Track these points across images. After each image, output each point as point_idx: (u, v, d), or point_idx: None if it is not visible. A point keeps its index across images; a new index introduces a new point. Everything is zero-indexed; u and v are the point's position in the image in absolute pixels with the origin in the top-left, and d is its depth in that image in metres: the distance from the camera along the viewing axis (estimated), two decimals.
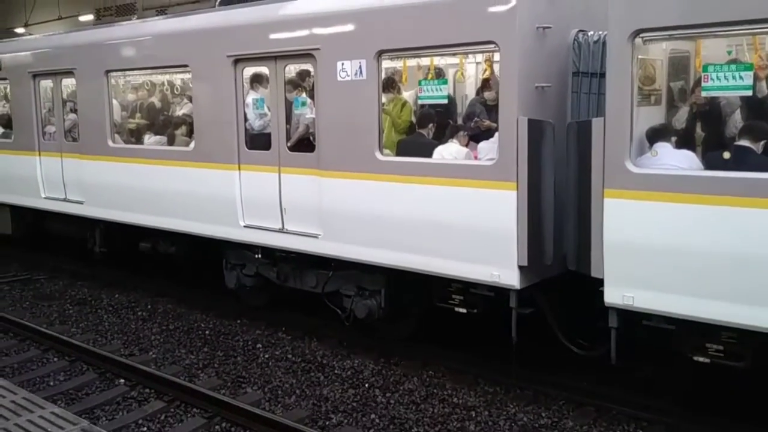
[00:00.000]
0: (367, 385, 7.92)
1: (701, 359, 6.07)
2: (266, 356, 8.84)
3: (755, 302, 5.44)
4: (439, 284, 7.57)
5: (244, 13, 9.00)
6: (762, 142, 5.83)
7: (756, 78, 5.83)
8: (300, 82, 9.02)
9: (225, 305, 10.47)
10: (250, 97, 9.07)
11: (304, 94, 8.82)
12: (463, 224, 6.98)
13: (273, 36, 8.48)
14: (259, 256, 9.23)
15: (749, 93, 5.76)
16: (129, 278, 12.13)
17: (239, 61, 8.85)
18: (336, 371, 8.32)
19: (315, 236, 8.29)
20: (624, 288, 6.06)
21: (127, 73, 11.09)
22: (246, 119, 9.02)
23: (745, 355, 5.89)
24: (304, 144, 8.62)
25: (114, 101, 11.04)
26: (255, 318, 10.05)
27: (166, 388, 7.80)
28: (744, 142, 5.86)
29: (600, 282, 6.26)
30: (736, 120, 6.43)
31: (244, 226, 9.03)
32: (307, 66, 8.66)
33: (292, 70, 8.96)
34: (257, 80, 9.12)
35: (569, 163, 6.57)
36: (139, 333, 9.81)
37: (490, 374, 7.89)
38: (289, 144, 8.65)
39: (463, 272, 7.12)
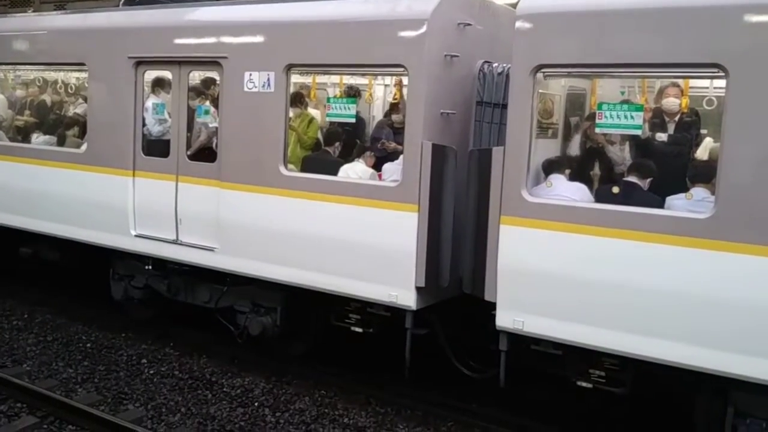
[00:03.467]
0: (256, 404, 7.74)
1: (584, 384, 6.32)
2: (151, 372, 8.48)
3: (634, 330, 5.72)
4: (337, 303, 7.53)
5: (150, 15, 8.73)
6: (648, 179, 6.18)
7: (644, 119, 6.18)
8: (204, 90, 8.81)
9: (109, 317, 9.98)
10: (150, 102, 8.78)
11: (207, 102, 8.63)
12: (364, 244, 6.99)
13: (179, 41, 8.26)
14: (150, 267, 8.87)
15: (639, 132, 6.12)
16: (4, 285, 11.35)
17: (141, 63, 8.55)
18: (225, 389, 8.09)
19: (211, 249, 8.06)
20: (515, 312, 6.23)
21: (18, 67, 10.48)
22: (144, 124, 8.71)
23: (625, 381, 6.17)
24: (205, 153, 8.41)
25: (1, 96, 10.39)
26: (141, 332, 9.63)
27: (39, 402, 7.34)
28: (632, 178, 6.20)
29: (493, 306, 6.41)
30: (625, 157, 6.79)
31: (135, 236, 8.67)
32: (213, 74, 8.48)
33: (196, 76, 8.73)
34: (159, 84, 8.84)
35: (469, 188, 6.73)
36: (13, 343, 9.18)
37: (382, 395, 7.90)
38: (189, 152, 8.41)
39: (362, 292, 7.11)
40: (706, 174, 5.84)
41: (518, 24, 6.13)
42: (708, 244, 5.38)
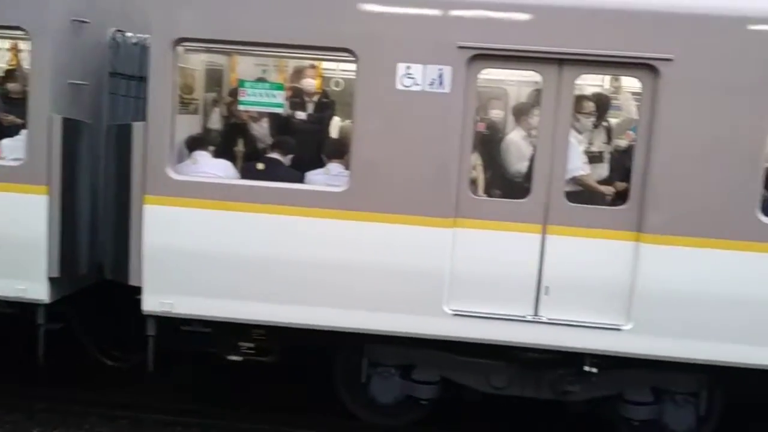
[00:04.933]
0: None
1: (235, 358, 6.42)
2: None
3: (278, 300, 5.95)
4: None
5: None
6: (289, 156, 6.48)
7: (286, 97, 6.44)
8: None
9: None
10: None
11: None
12: None
13: None
14: None
15: (281, 110, 6.35)
16: None
17: None
18: None
19: None
20: (163, 295, 6.03)
21: None
22: None
23: (273, 351, 6.43)
24: None
25: None
26: None
27: None
28: (275, 155, 6.43)
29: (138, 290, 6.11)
30: (267, 135, 7.01)
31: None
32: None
33: None
34: None
35: (107, 167, 6.27)
36: None
37: (8, 400, 6.99)
38: None
39: None
40: (340, 150, 6.32)
41: None
42: (345, 215, 5.85)
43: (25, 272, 6.09)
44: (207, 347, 6.40)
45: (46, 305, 6.24)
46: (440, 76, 5.66)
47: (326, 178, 6.21)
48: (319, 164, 6.40)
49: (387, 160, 5.76)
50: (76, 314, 6.67)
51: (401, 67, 5.67)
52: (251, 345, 6.36)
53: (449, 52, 5.62)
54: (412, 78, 5.68)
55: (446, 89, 5.65)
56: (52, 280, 6.15)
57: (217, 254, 5.96)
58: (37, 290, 6.14)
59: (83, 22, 6.27)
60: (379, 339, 6.13)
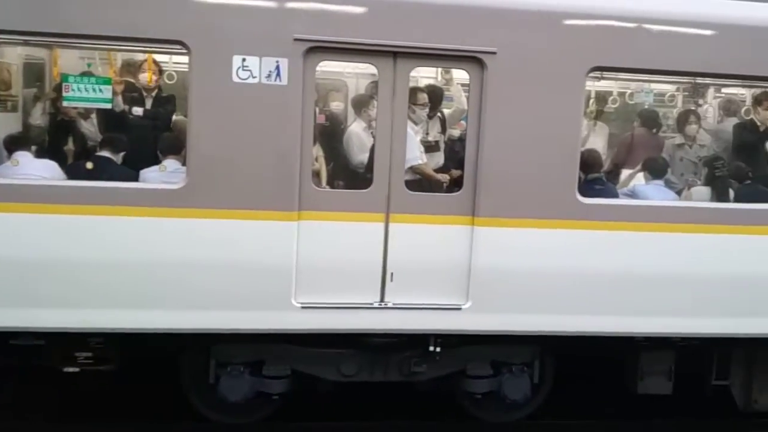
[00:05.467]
0: None
1: (72, 369, 6.06)
2: None
3: (119, 305, 5.68)
4: None
5: None
6: (122, 153, 6.18)
7: (114, 92, 6.12)
8: None
9: None
10: None
11: None
12: None
13: None
14: None
15: (109, 106, 6.02)
16: None
17: None
18: None
19: None
20: None
21: None
22: None
23: (112, 358, 6.14)
24: None
25: None
26: None
27: None
28: (105, 153, 6.11)
29: None
30: (96, 132, 6.64)
31: None
32: None
33: None
34: None
35: None
36: None
37: None
38: None
39: None
40: (177, 146, 6.12)
41: None
42: (183, 212, 5.66)
43: None
44: (41, 360, 5.99)
45: None
46: (277, 68, 5.63)
47: (162, 176, 5.99)
48: (156, 161, 6.16)
49: (226, 154, 5.65)
50: None
51: (237, 60, 5.58)
52: (89, 354, 6.02)
53: (285, 45, 5.61)
54: (248, 71, 5.61)
55: (284, 81, 5.63)
56: None
57: (45, 261, 5.56)
58: None
59: None
60: (226, 338, 6.02)
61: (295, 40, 5.62)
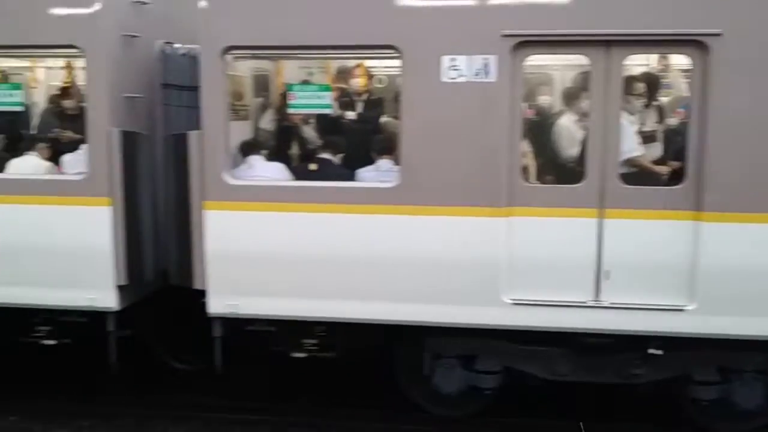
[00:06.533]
0: None
1: (300, 355, 6.54)
2: None
3: (338, 296, 6.06)
4: (20, 316, 6.66)
5: None
6: (340, 155, 6.57)
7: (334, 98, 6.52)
8: None
9: None
10: None
11: None
12: (48, 246, 6.29)
13: None
14: None
15: (330, 111, 6.43)
16: None
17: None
18: None
19: None
20: (227, 297, 6.19)
21: None
22: None
23: (335, 346, 6.53)
24: None
25: None
26: None
27: None
28: (326, 155, 6.52)
29: (203, 293, 6.28)
30: (316, 135, 7.11)
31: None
32: None
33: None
34: None
35: (167, 176, 6.45)
36: None
37: (85, 405, 7.27)
38: None
39: (52, 300, 6.42)
40: (389, 147, 6.38)
41: (202, 4, 5.99)
42: (396, 209, 5.90)
43: (94, 282, 6.30)
44: (272, 346, 6.54)
45: (115, 312, 6.46)
46: (485, 65, 5.67)
47: (377, 175, 6.28)
48: (370, 162, 6.47)
49: (436, 153, 5.80)
50: (145, 320, 6.86)
51: (446, 60, 5.70)
52: (314, 342, 6.48)
53: (493, 42, 5.63)
54: (457, 69, 5.71)
55: (492, 78, 5.66)
56: (120, 288, 6.36)
57: (277, 255, 6.09)
58: (106, 299, 6.35)
59: (133, 36, 6.45)
60: (440, 331, 6.18)
61: (504, 36, 5.62)
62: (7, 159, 6.73)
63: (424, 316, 6.03)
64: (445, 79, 5.72)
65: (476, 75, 5.69)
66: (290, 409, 7.21)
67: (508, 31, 5.62)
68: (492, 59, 5.65)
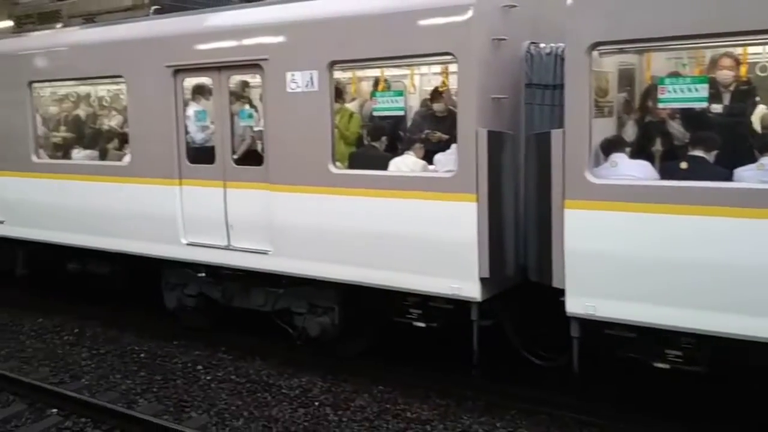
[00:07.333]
0: (317, 404, 7.69)
1: (661, 365, 6.18)
2: (208, 378, 8.46)
3: (710, 307, 5.61)
4: (396, 299, 7.44)
5: (185, 22, 8.67)
6: (714, 152, 6.03)
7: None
8: (242, 93, 8.76)
9: (160, 327, 9.98)
10: (191, 109, 8.74)
11: (247, 106, 8.58)
12: (421, 237, 6.90)
13: (217, 45, 8.19)
14: (203, 275, 8.85)
15: (705, 105, 5.96)
16: (52, 301, 11.41)
17: (179, 71, 8.50)
18: (284, 390, 8.05)
19: (264, 253, 8.02)
20: (585, 297, 6.12)
21: (53, 84, 10.50)
22: (187, 132, 8.67)
23: (702, 360, 6.04)
24: (251, 157, 8.36)
25: (37, 114, 10.41)
26: (193, 339, 9.61)
27: (103, 416, 7.34)
28: (698, 152, 6.04)
29: (561, 292, 6.29)
30: (682, 131, 6.63)
31: (186, 244, 8.66)
32: (250, 77, 8.42)
33: (236, 81, 8.68)
34: (199, 92, 8.81)
35: (528, 174, 6.61)
36: (67, 359, 9.21)
37: (441, 387, 7.81)
38: (234, 157, 8.37)
39: (422, 286, 7.03)
40: None
41: (569, 2, 6.00)
42: None
43: (459, 273, 6.73)
44: (630, 352, 6.29)
45: (478, 303, 6.81)
46: None
47: (760, 174, 5.62)
48: (747, 159, 5.83)
49: None
50: (505, 313, 7.13)
51: None
52: (678, 353, 6.06)
53: None
54: None
55: None
56: (483, 281, 6.69)
57: (641, 258, 5.83)
58: (470, 289, 6.72)
59: (501, 39, 6.72)
60: None
61: None
62: (390, 158, 7.55)
63: None
64: None
65: None
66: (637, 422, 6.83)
67: None
68: None
